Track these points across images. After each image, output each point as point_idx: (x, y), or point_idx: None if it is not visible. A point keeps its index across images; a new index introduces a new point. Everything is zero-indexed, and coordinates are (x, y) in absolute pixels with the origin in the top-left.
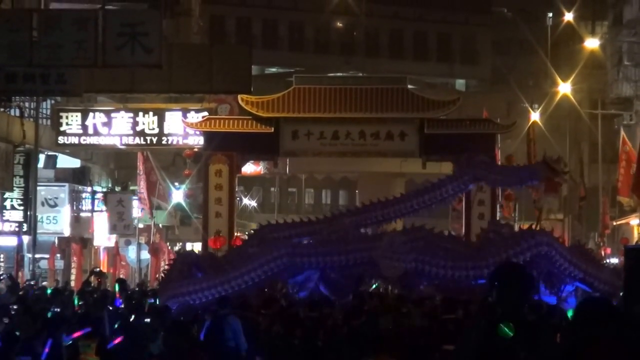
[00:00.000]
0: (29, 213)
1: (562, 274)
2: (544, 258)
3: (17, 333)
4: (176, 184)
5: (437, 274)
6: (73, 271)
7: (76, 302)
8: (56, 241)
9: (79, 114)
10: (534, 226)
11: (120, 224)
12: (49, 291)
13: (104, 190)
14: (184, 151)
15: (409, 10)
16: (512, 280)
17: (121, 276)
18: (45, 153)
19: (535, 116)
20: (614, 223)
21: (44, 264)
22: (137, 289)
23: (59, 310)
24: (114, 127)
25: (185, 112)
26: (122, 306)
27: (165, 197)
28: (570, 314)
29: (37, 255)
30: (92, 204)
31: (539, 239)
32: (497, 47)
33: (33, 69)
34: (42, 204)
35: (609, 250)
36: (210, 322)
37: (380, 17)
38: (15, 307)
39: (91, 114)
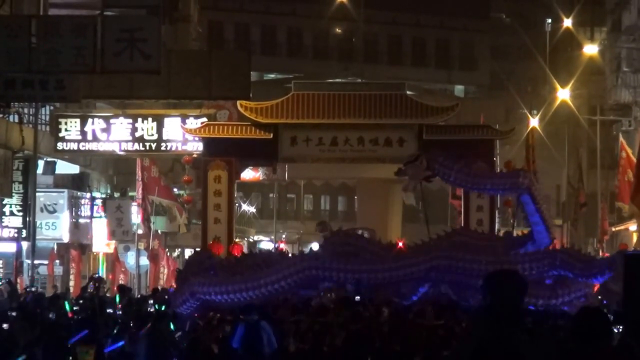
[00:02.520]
0: (28, 219)
1: None
2: None
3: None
4: (175, 189)
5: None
6: (72, 277)
7: (68, 307)
8: (55, 247)
9: (78, 120)
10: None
11: (119, 229)
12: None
13: (103, 196)
14: (183, 157)
15: (408, 17)
16: (505, 286)
17: (121, 282)
18: (44, 159)
19: (534, 122)
20: (613, 229)
21: (43, 270)
22: (138, 296)
23: (52, 316)
24: (113, 133)
25: (184, 118)
26: (120, 313)
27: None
28: None
29: (36, 261)
30: (91, 210)
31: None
32: (496, 53)
33: (32, 75)
34: (41, 210)
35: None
36: (244, 328)
37: (379, 23)
38: (14, 313)
39: (90, 120)
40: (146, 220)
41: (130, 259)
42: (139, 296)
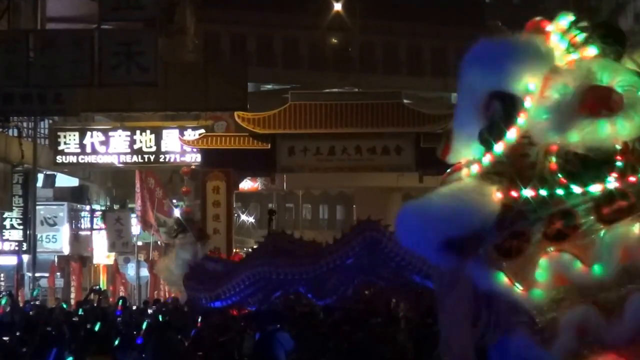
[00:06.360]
0: (28, 232)
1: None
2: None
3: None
4: (174, 201)
5: None
6: (72, 289)
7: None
8: (56, 260)
9: (77, 133)
10: None
11: (119, 241)
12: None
13: (103, 208)
14: (182, 169)
15: (403, 25)
16: None
17: (121, 293)
18: (44, 172)
19: None
20: None
21: (43, 283)
22: (134, 307)
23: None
24: (112, 146)
25: (182, 129)
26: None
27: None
28: None
29: (36, 274)
30: (91, 222)
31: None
32: None
33: (30, 89)
34: (42, 223)
35: None
36: (259, 336)
37: (375, 32)
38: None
39: (89, 133)
40: (154, 230)
41: (130, 270)
42: (134, 307)
